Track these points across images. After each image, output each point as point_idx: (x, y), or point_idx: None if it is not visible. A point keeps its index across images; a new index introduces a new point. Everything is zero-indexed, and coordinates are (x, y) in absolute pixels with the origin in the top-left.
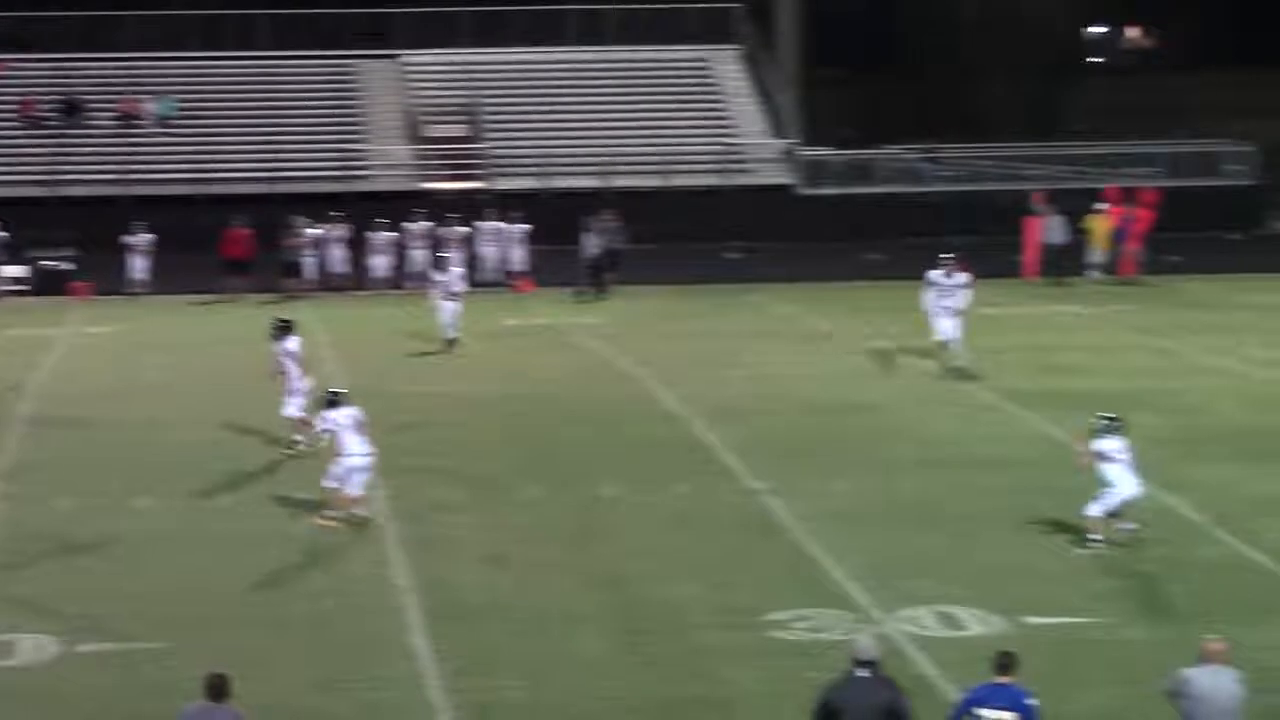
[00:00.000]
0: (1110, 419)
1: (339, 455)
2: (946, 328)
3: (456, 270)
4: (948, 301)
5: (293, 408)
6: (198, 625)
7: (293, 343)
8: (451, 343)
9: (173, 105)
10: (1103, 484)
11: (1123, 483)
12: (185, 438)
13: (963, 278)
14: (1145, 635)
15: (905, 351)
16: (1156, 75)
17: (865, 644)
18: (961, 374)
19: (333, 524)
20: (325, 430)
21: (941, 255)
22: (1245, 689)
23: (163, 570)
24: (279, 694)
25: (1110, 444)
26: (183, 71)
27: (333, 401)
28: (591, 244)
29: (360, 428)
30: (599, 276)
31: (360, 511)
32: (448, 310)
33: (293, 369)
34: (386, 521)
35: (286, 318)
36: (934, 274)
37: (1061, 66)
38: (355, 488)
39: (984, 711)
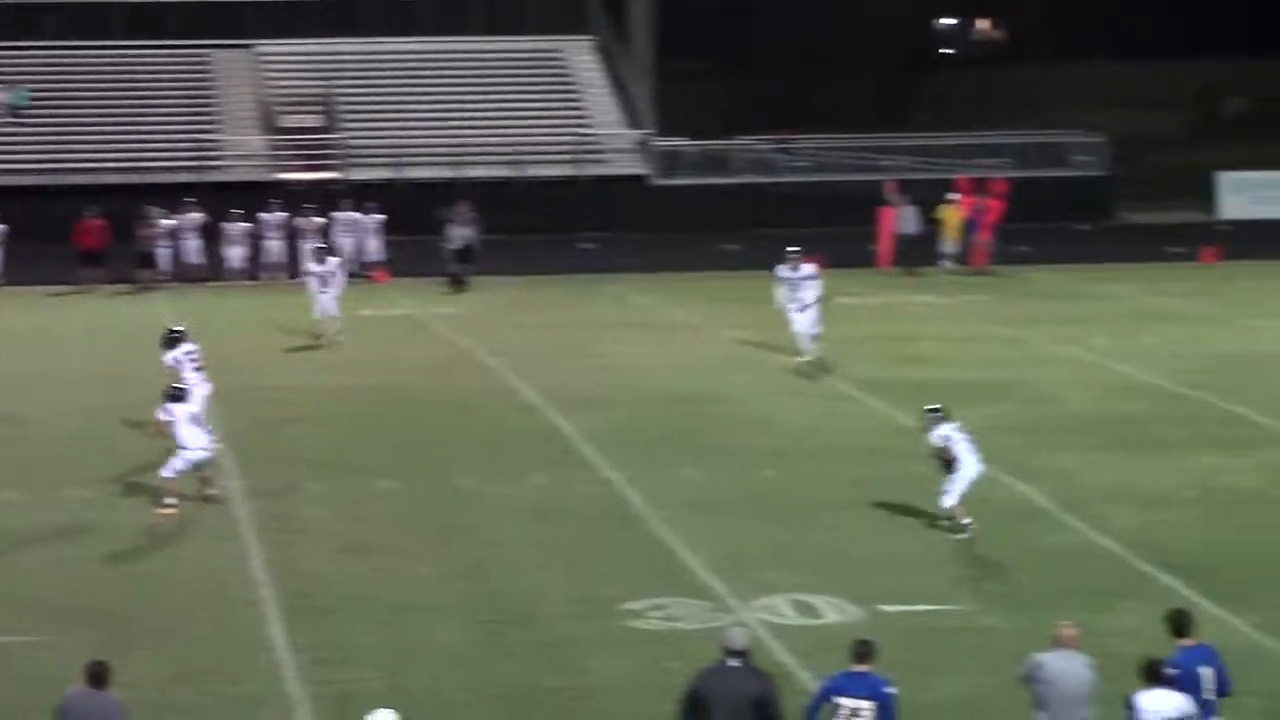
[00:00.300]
0: (934, 410)
1: (180, 448)
2: (798, 321)
3: (334, 260)
4: (798, 294)
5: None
6: (62, 618)
7: (182, 350)
8: (318, 336)
9: (25, 95)
10: (948, 473)
11: (968, 464)
12: (45, 430)
13: (810, 269)
14: (1000, 622)
15: (761, 342)
16: (1006, 67)
17: (736, 634)
18: (817, 365)
19: (172, 511)
20: (165, 421)
21: (788, 249)
22: (1096, 674)
23: (26, 563)
24: (139, 687)
25: (948, 429)
26: (36, 61)
27: (175, 395)
28: (457, 235)
29: (198, 420)
30: (465, 267)
31: (212, 491)
32: (325, 302)
33: (187, 376)
34: (245, 514)
35: (178, 329)
36: (781, 269)
37: (911, 58)
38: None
39: (842, 700)
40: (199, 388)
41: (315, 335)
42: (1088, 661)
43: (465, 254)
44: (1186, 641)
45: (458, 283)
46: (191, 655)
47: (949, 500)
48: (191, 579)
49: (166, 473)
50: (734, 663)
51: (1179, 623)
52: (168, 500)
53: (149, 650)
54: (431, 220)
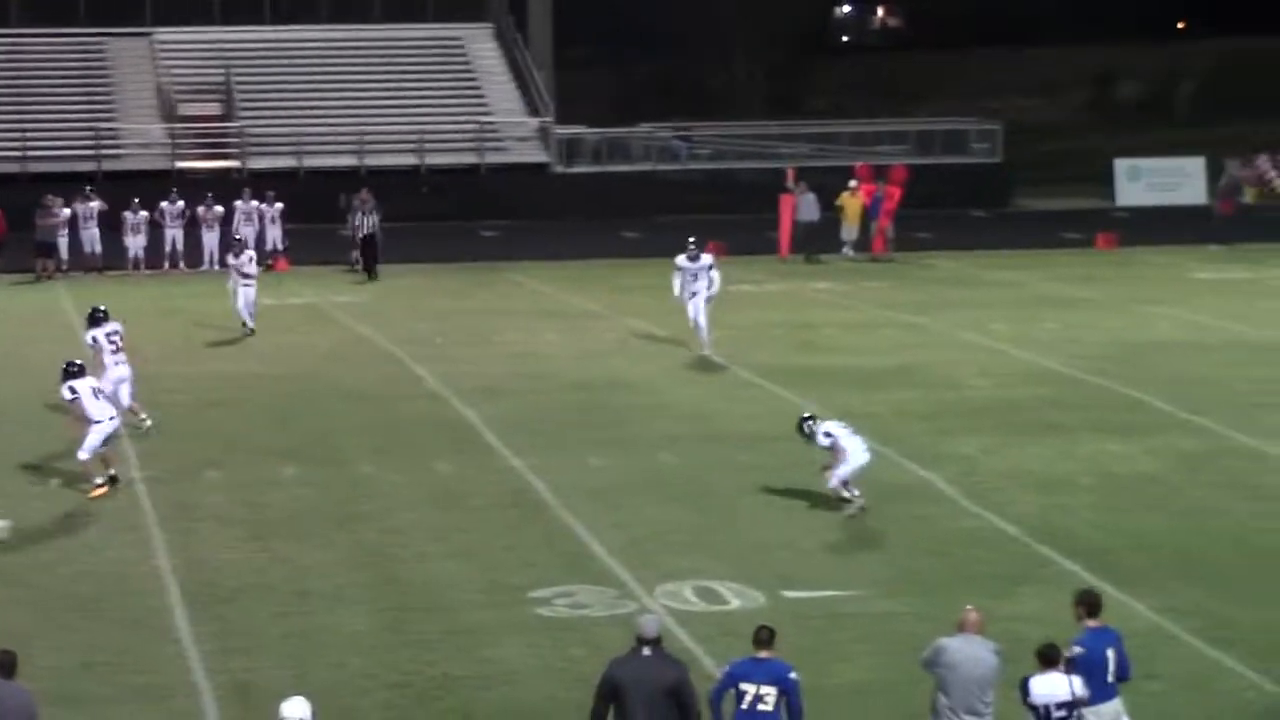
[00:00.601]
0: (807, 418)
1: (89, 422)
2: (697, 310)
3: (249, 253)
4: (696, 285)
5: (125, 396)
6: None
7: (104, 330)
8: (248, 328)
9: None
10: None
11: (855, 454)
12: None
13: (708, 259)
14: (901, 607)
15: (663, 329)
16: (903, 55)
17: (648, 621)
18: (716, 352)
19: (101, 491)
20: (70, 400)
21: (690, 239)
22: (1001, 660)
23: None
24: (43, 677)
25: (828, 427)
26: None
27: (73, 371)
28: (366, 223)
29: (99, 393)
30: (372, 255)
31: (112, 471)
32: (244, 295)
33: (107, 358)
34: (148, 503)
35: (101, 307)
36: (680, 259)
37: (808, 45)
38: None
39: (746, 686)
40: (118, 368)
41: (242, 324)
42: (993, 647)
43: (369, 242)
44: (1094, 623)
45: (368, 271)
46: (95, 644)
47: (834, 481)
48: (96, 568)
49: (83, 454)
50: (647, 651)
51: (1089, 603)
52: (96, 480)
53: (52, 639)
54: (334, 209)
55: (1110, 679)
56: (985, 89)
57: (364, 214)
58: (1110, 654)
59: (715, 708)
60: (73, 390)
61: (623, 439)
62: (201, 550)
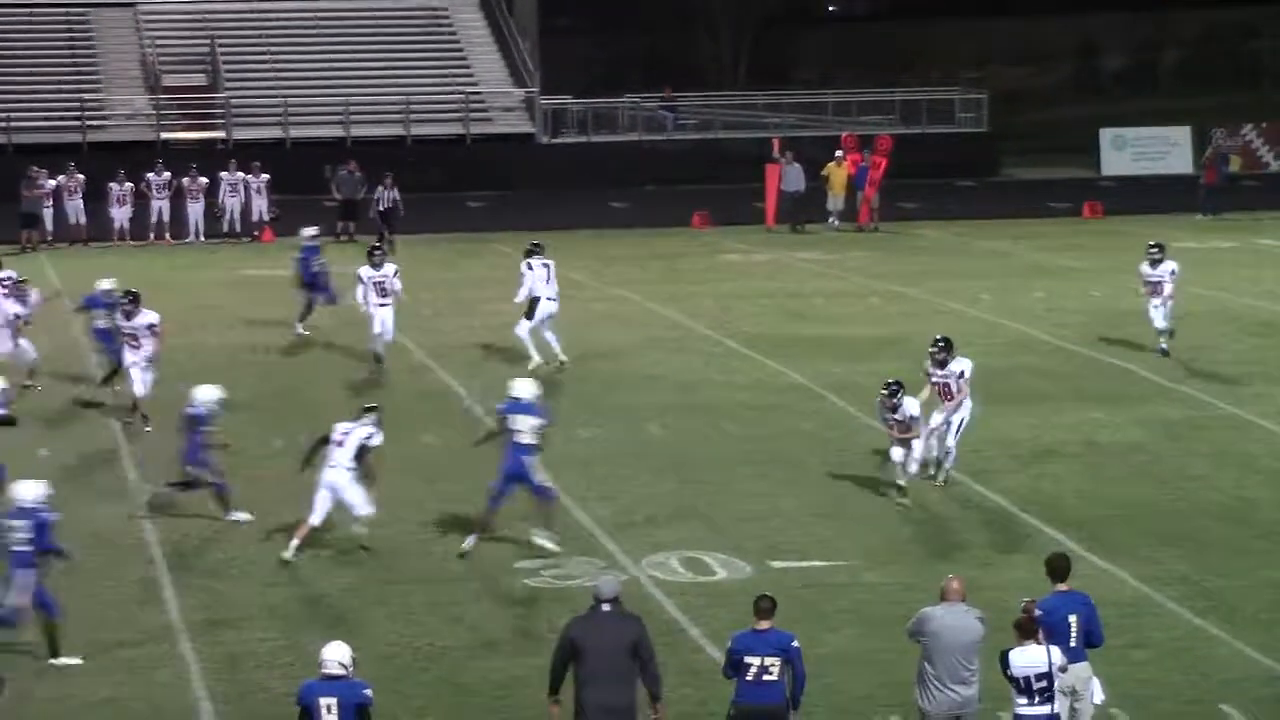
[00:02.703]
0: (898, 385)
1: None
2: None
3: (392, 265)
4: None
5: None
6: None
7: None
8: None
9: None
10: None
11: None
12: None
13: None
14: (888, 578)
15: (650, 300)
16: (889, 24)
17: (607, 581)
18: (705, 324)
19: None
20: None
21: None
22: (986, 627)
23: None
24: (26, 647)
25: (914, 402)
26: None
27: None
28: (386, 196)
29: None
30: (391, 226)
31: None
32: (381, 319)
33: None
34: (133, 472)
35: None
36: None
37: (794, 15)
38: None
39: (750, 659)
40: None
41: (375, 358)
42: (978, 614)
43: (389, 215)
44: (1061, 587)
45: (388, 241)
46: (83, 618)
47: (914, 466)
48: (79, 538)
49: None
50: (606, 609)
51: (1057, 566)
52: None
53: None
54: (320, 179)
55: (1074, 643)
56: (971, 59)
57: (384, 188)
58: (1073, 619)
59: (740, 689)
60: None
61: (609, 409)
62: (188, 521)
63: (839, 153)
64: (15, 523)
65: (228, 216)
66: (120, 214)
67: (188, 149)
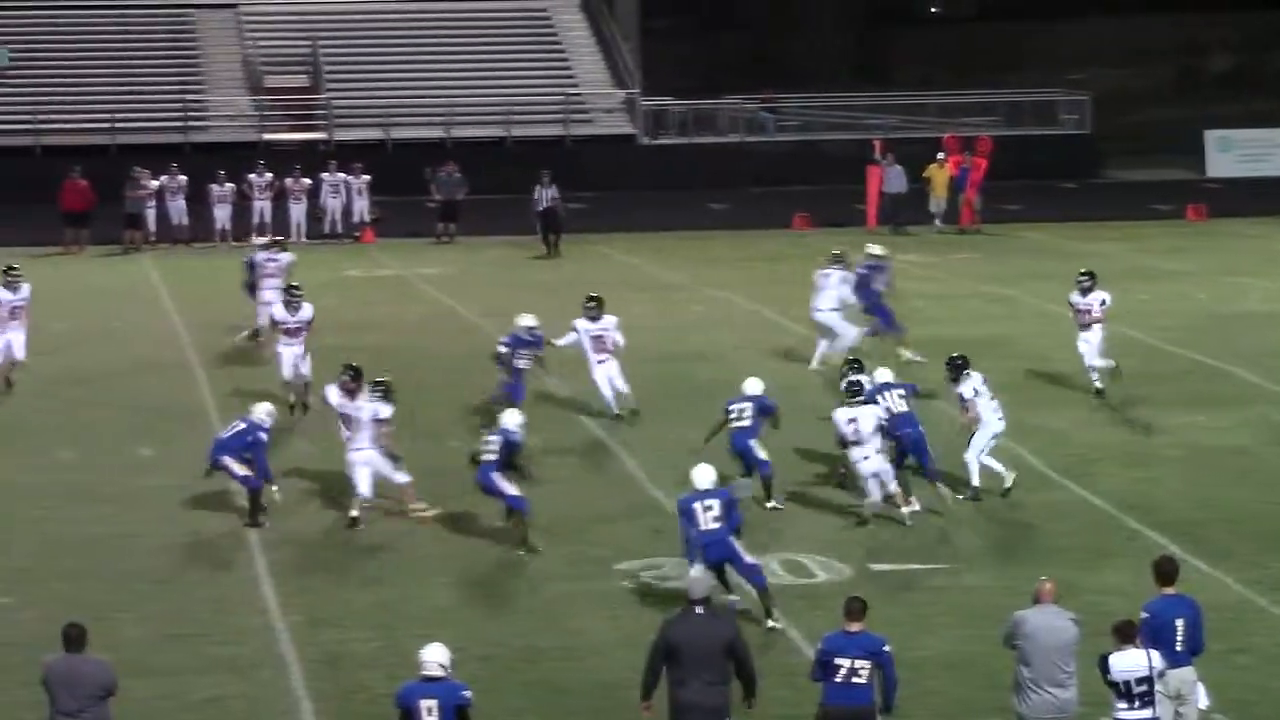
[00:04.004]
0: (961, 361)
1: None
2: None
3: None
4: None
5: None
6: (38, 580)
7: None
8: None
9: (5, 55)
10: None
11: (990, 419)
12: (28, 391)
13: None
14: (988, 581)
15: (751, 300)
16: (991, 25)
17: (697, 581)
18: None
19: None
20: None
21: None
22: (1080, 629)
23: (7, 525)
24: (126, 648)
25: (978, 381)
26: (18, 20)
27: None
28: (545, 196)
29: None
30: (554, 227)
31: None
32: (602, 373)
33: None
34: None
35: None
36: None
37: (896, 16)
38: None
39: (840, 660)
40: None
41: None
42: (1071, 616)
43: (550, 215)
44: (1168, 590)
45: (547, 244)
46: (180, 615)
47: (971, 453)
48: (179, 540)
49: None
50: (700, 610)
51: (1164, 570)
52: None
53: (135, 610)
54: (420, 181)
55: (1180, 647)
56: (1073, 59)
57: (542, 187)
58: (1180, 622)
59: (828, 691)
60: None
61: (707, 411)
62: (288, 522)
63: (940, 154)
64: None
65: (329, 217)
66: (221, 214)
67: (289, 150)
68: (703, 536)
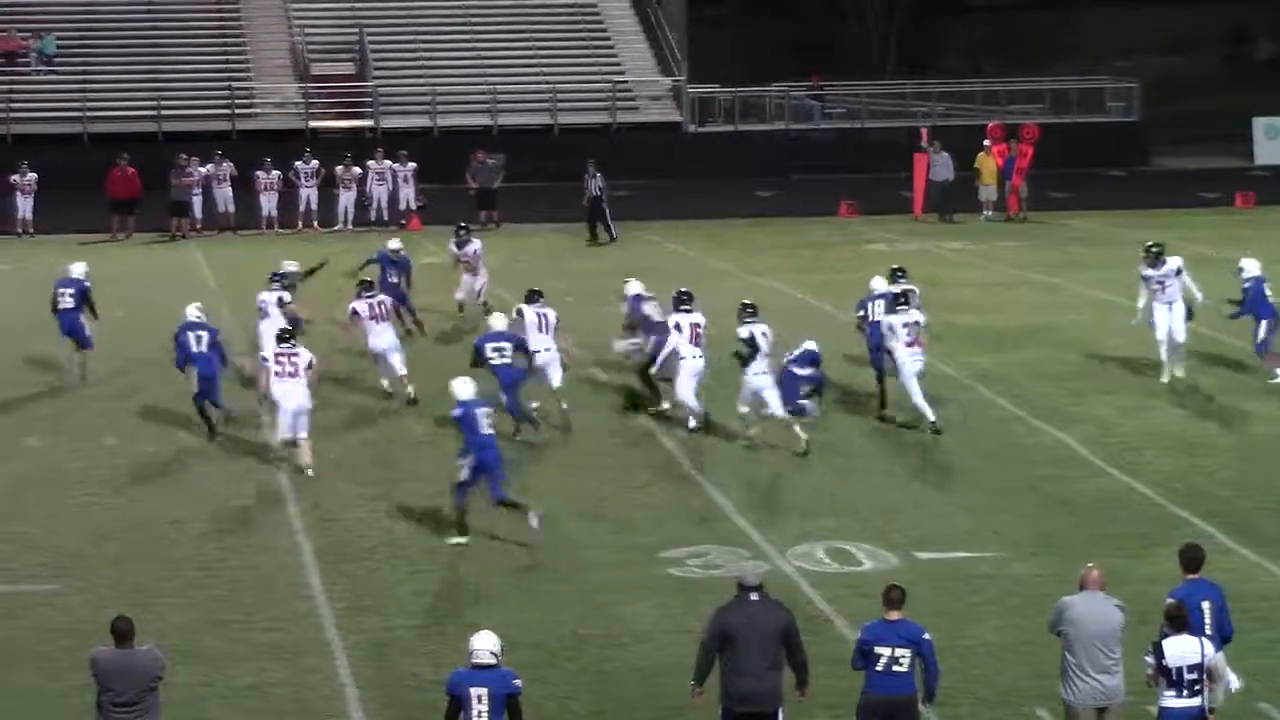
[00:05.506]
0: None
1: None
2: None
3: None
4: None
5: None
6: (86, 566)
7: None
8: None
9: (53, 43)
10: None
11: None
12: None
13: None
14: (1036, 569)
15: (797, 288)
16: (1038, 11)
17: (751, 569)
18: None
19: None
20: None
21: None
22: (1127, 616)
23: (46, 510)
24: (172, 634)
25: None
26: (65, 8)
27: None
28: (593, 185)
29: None
30: (601, 215)
31: None
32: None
33: None
34: (281, 467)
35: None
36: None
37: (942, 3)
38: None
39: (881, 649)
40: None
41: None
42: (1116, 603)
43: (597, 204)
44: (1192, 576)
45: (592, 233)
46: (225, 601)
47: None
48: (224, 526)
49: None
50: (754, 596)
51: (1190, 558)
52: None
53: (180, 596)
54: (464, 168)
55: (1209, 630)
56: (1120, 47)
57: (589, 176)
58: (1206, 605)
59: (869, 680)
60: None
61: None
62: (332, 508)
63: (986, 142)
64: None
65: (375, 205)
66: (268, 202)
67: (336, 137)
68: (483, 440)
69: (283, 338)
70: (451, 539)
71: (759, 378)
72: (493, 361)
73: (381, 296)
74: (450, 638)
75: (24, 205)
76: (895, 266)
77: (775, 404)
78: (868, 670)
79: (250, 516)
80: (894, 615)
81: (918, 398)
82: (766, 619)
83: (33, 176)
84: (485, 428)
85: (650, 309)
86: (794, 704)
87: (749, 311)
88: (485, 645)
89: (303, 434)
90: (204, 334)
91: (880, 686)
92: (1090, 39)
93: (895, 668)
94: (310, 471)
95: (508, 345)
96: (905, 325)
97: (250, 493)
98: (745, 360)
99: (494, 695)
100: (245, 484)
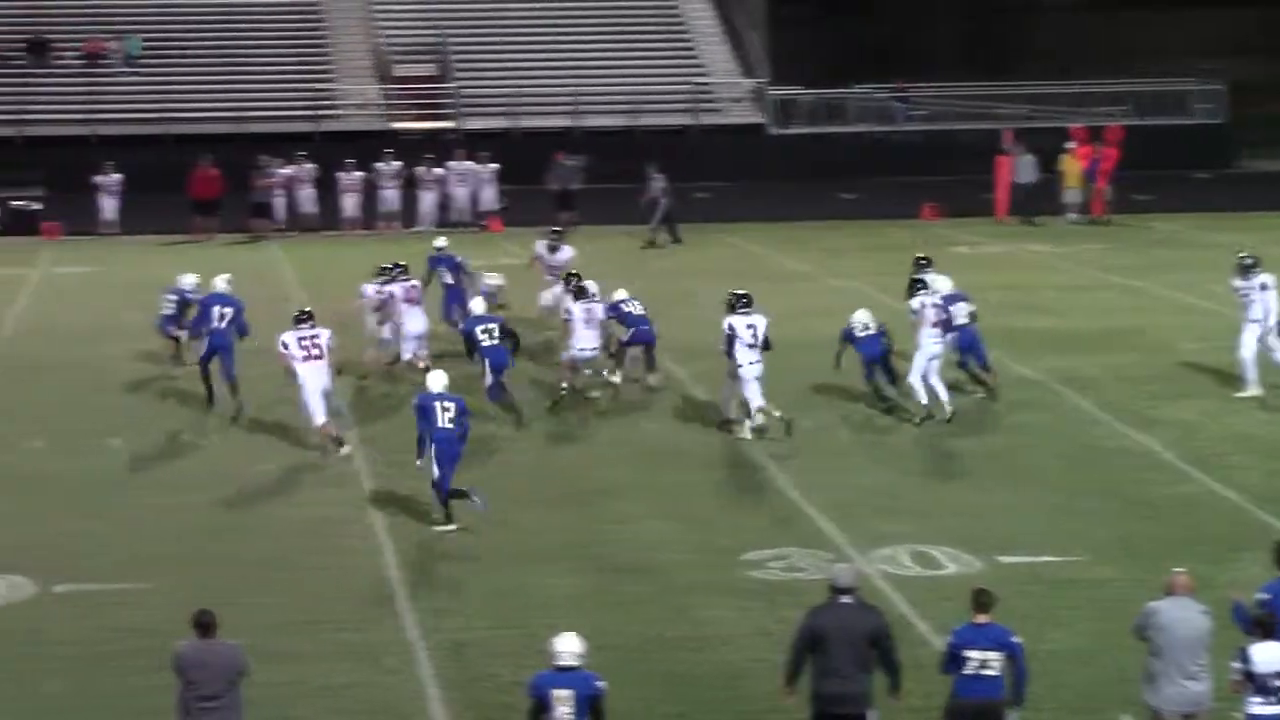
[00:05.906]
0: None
1: None
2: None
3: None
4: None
5: None
6: (167, 565)
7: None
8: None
9: (138, 44)
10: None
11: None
12: (164, 380)
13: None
14: (1119, 573)
15: (880, 290)
16: (1122, 12)
17: (845, 571)
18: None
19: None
20: None
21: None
22: (1212, 621)
23: (130, 510)
24: (253, 634)
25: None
26: (149, 10)
27: None
28: (657, 188)
29: None
30: (670, 222)
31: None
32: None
33: None
34: (362, 463)
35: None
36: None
37: (1026, 5)
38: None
39: (971, 653)
40: None
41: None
42: (1203, 608)
43: (671, 209)
44: None
45: (672, 237)
46: (306, 601)
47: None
48: (308, 527)
49: None
50: (846, 599)
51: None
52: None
53: (262, 597)
54: (544, 169)
55: None
56: (1207, 48)
57: (650, 179)
58: None
59: (958, 684)
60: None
61: (834, 401)
62: (414, 511)
63: (1070, 144)
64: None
65: (456, 206)
66: (350, 203)
67: (417, 138)
68: (439, 433)
69: (301, 319)
70: (440, 527)
71: (751, 367)
72: (483, 343)
73: (414, 281)
74: (531, 639)
75: (108, 206)
76: (920, 255)
77: (755, 395)
78: (957, 675)
79: (331, 517)
80: (982, 619)
81: (915, 376)
82: (856, 622)
83: (117, 177)
84: (443, 420)
85: (630, 307)
86: (885, 706)
87: (743, 302)
88: (569, 647)
89: (321, 418)
90: (229, 309)
91: (969, 690)
92: (1178, 41)
93: (984, 671)
94: (345, 449)
95: (495, 326)
96: (930, 306)
97: (330, 494)
98: (728, 352)
99: (578, 697)
100: (325, 483)
